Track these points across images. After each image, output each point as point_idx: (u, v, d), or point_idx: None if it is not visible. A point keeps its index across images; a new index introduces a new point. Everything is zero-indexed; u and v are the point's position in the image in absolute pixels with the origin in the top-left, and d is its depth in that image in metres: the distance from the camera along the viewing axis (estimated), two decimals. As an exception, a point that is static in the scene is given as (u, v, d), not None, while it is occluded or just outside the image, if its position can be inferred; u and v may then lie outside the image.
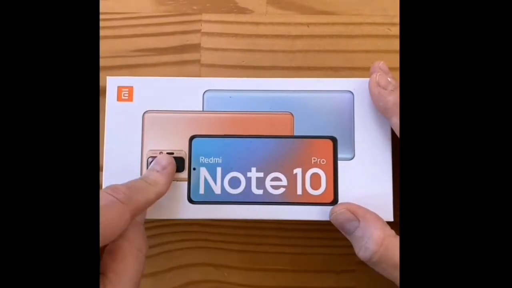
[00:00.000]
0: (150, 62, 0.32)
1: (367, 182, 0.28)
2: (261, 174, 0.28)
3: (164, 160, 0.27)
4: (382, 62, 0.28)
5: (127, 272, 0.23)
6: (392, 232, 0.25)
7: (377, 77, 0.27)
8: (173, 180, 0.28)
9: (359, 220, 0.26)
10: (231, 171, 0.28)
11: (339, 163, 0.28)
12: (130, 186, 0.25)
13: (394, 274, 0.24)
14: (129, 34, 0.33)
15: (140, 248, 0.24)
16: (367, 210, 0.26)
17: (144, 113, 0.28)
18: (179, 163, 0.28)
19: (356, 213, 0.26)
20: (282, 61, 0.32)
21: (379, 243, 0.24)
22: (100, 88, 0.29)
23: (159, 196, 0.26)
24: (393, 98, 0.26)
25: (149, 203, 0.25)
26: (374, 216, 0.26)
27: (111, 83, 0.29)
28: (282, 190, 0.28)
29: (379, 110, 0.27)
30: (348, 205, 0.26)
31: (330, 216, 0.27)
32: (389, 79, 0.27)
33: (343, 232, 0.27)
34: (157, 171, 0.27)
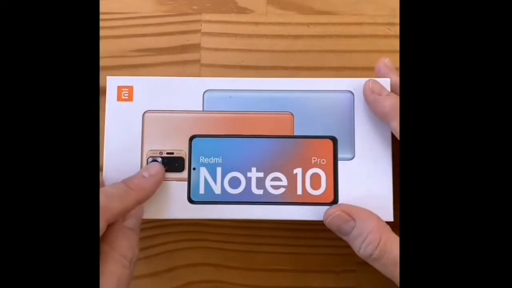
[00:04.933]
0: (150, 62, 0.32)
1: (367, 182, 0.28)
2: (261, 174, 0.28)
3: (154, 168, 0.27)
4: (387, 59, 0.28)
5: (107, 277, 0.22)
6: (388, 227, 0.26)
7: (370, 84, 0.27)
8: (173, 180, 0.28)
9: (354, 220, 0.26)
10: (231, 171, 0.28)
11: (339, 163, 0.28)
12: (108, 194, 0.24)
13: (394, 272, 0.24)
14: (129, 34, 0.33)
15: (124, 253, 0.24)
16: (360, 209, 0.26)
17: (144, 113, 0.28)
18: (179, 163, 0.28)
19: (351, 213, 0.26)
20: (282, 61, 0.32)
21: (378, 238, 0.25)
22: (100, 88, 0.29)
23: (140, 202, 0.26)
24: (389, 103, 0.26)
25: (127, 209, 0.25)
26: (368, 213, 0.26)
27: (111, 83, 0.29)
28: (282, 190, 0.28)
29: (377, 116, 0.27)
30: (341, 207, 0.27)
31: (325, 220, 0.27)
32: (382, 84, 0.27)
33: (339, 234, 0.27)
34: (144, 177, 0.27)
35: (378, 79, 0.28)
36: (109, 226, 0.25)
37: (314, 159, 0.28)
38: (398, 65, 0.28)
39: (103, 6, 0.33)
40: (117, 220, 0.25)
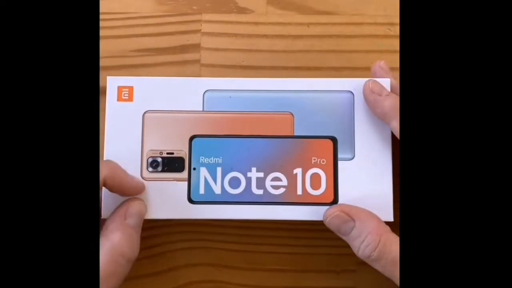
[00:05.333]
0: (150, 62, 0.32)
1: (367, 182, 0.28)
2: (261, 174, 0.28)
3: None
4: (382, 61, 0.28)
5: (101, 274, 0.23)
6: (387, 227, 0.26)
7: (370, 84, 0.27)
8: (174, 180, 0.28)
9: (354, 220, 0.26)
10: (231, 171, 0.28)
11: (339, 163, 0.28)
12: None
13: (394, 272, 0.24)
14: (129, 34, 0.33)
15: (123, 252, 0.24)
16: (360, 209, 0.26)
17: (144, 113, 0.28)
18: (179, 163, 0.28)
19: (350, 213, 0.26)
20: (282, 61, 0.32)
21: (377, 240, 0.25)
22: (100, 88, 0.29)
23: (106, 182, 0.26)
24: (389, 102, 0.27)
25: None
26: (368, 214, 0.26)
27: (111, 83, 0.29)
28: (282, 190, 0.28)
29: (377, 116, 0.27)
30: (341, 207, 0.27)
31: (324, 219, 0.27)
32: (382, 84, 0.27)
33: (339, 234, 0.27)
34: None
35: (378, 79, 0.28)
36: (110, 222, 0.26)
37: (314, 159, 0.28)
38: (394, 65, 0.28)
39: (103, 6, 0.33)
40: (119, 218, 0.26)
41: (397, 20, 0.32)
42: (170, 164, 0.28)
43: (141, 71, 0.32)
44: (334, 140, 0.28)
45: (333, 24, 0.33)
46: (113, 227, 0.25)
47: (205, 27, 0.33)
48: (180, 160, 0.28)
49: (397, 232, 0.24)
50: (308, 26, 0.33)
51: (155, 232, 0.31)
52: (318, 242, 0.31)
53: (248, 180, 0.28)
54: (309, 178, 0.28)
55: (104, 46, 0.32)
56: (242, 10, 0.33)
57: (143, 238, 0.31)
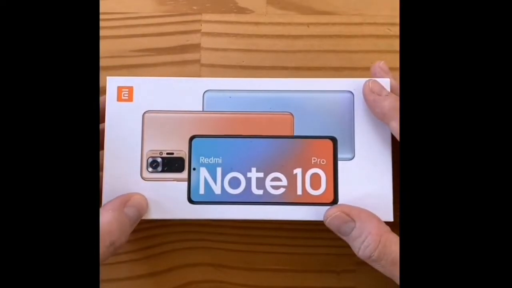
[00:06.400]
0: (150, 62, 0.32)
1: (367, 182, 0.28)
2: (261, 174, 0.28)
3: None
4: (382, 62, 0.28)
5: None
6: (387, 227, 0.26)
7: (370, 84, 0.27)
8: (174, 180, 0.28)
9: (354, 221, 0.26)
10: (231, 171, 0.28)
11: (339, 163, 0.28)
12: None
13: (393, 272, 0.24)
14: (129, 34, 0.33)
15: (111, 231, 0.25)
16: (360, 209, 0.26)
17: (144, 113, 0.28)
18: (179, 164, 0.28)
19: (351, 214, 0.26)
20: (282, 61, 0.32)
21: (378, 240, 0.25)
22: (100, 88, 0.29)
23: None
24: (388, 102, 0.26)
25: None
26: (368, 214, 0.26)
27: (111, 83, 0.29)
28: (282, 190, 0.28)
29: (376, 116, 0.27)
30: (341, 207, 0.27)
31: (325, 220, 0.27)
32: (382, 84, 0.27)
33: (339, 234, 0.27)
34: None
35: (377, 79, 0.28)
36: (109, 204, 0.26)
37: (314, 159, 0.28)
38: (394, 65, 0.28)
39: (103, 6, 0.33)
40: (119, 204, 0.26)
41: (397, 20, 0.32)
42: (170, 164, 0.28)
43: (141, 71, 0.32)
44: (334, 140, 0.28)
45: (333, 24, 0.33)
46: (109, 208, 0.26)
47: (205, 27, 0.33)
48: (180, 160, 0.28)
49: (397, 232, 0.24)
50: (308, 26, 0.33)
51: (154, 232, 0.31)
52: (318, 242, 0.31)
53: (248, 180, 0.28)
54: (309, 178, 0.28)
55: (104, 46, 0.32)
56: (242, 10, 0.33)
57: (142, 238, 0.31)
